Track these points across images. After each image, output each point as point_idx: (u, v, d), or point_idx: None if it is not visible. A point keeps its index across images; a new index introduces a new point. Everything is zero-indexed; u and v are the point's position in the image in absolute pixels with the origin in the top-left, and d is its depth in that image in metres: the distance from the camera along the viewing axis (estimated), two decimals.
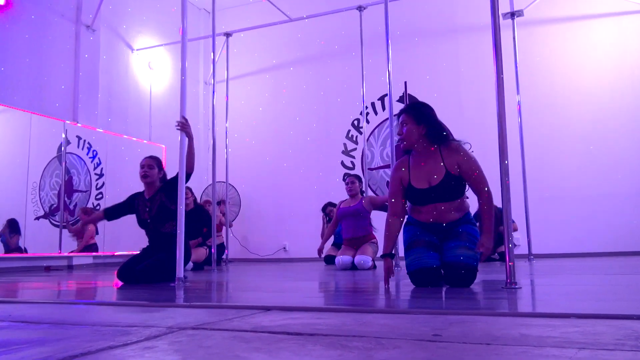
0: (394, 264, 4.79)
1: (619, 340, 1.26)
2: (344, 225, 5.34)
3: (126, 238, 3.76)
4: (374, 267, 5.10)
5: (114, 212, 4.15)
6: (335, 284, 3.53)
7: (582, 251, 6.64)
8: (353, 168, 8.18)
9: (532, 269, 4.43)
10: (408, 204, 2.94)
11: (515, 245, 2.66)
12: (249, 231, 8.77)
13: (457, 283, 2.63)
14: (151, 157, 4.00)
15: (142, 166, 3.93)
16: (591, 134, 6.95)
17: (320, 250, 5.43)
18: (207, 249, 5.92)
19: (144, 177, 3.89)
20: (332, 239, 6.94)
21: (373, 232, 5.29)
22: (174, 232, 3.76)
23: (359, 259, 5.01)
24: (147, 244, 4.01)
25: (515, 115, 5.99)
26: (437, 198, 2.78)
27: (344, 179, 5.56)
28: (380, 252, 5.12)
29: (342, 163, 8.35)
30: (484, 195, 2.76)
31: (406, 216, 3.00)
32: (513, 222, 6.25)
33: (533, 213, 6.15)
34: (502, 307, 1.99)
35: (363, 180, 5.89)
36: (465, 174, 2.78)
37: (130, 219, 4.05)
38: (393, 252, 2.91)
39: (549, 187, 6.91)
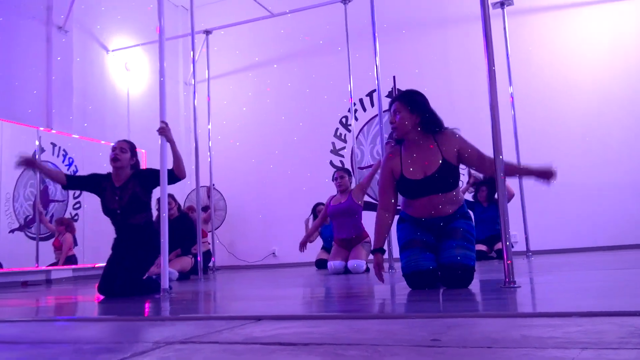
0: (388, 266, 4.81)
1: (623, 339, 1.28)
2: (336, 225, 5.31)
3: (107, 249, 3.73)
4: (367, 270, 5.10)
5: (75, 182, 4.03)
6: (328, 289, 3.53)
7: (581, 246, 6.70)
8: (342, 168, 8.18)
9: (530, 266, 4.47)
10: (400, 198, 2.94)
11: (512, 243, 2.68)
12: (236, 237, 8.75)
13: (455, 284, 2.64)
14: (125, 141, 3.92)
15: (113, 149, 3.80)
16: (587, 124, 7.01)
17: (303, 244, 5.38)
18: (193, 258, 5.89)
19: (114, 160, 3.74)
20: (320, 240, 6.93)
21: (366, 230, 5.27)
22: (142, 223, 3.73)
23: (352, 263, 5.00)
24: (115, 235, 3.86)
25: (508, 108, 6.03)
26: (432, 189, 2.76)
27: (333, 177, 5.54)
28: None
29: (331, 162, 8.36)
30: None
31: (397, 214, 3.01)
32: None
33: (530, 208, 6.19)
34: (502, 307, 2.00)
35: (353, 175, 5.88)
36: (469, 158, 2.79)
37: (109, 225, 3.95)
38: (384, 247, 2.92)
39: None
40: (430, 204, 2.79)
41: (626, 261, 4.23)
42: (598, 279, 2.85)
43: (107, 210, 3.78)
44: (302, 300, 2.74)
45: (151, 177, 3.71)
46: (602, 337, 1.32)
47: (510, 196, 5.96)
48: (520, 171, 2.82)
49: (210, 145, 7.25)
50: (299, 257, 8.06)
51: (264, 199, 8.59)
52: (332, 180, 5.43)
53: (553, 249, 6.78)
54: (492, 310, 1.92)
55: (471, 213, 2.99)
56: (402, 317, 1.85)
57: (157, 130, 3.59)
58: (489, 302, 2.17)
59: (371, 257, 5.95)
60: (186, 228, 5.80)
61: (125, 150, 3.79)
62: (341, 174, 5.35)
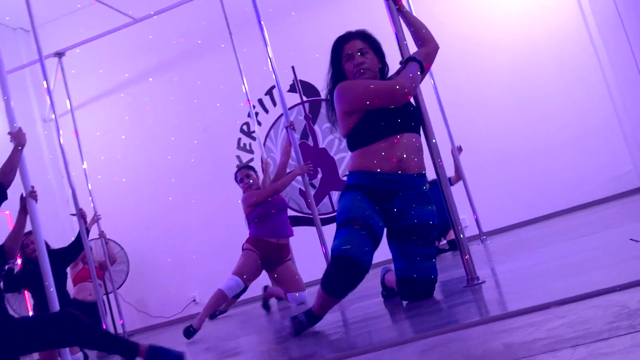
0: None
1: (612, 324, 1.34)
2: (269, 225, 4.87)
3: None
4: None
5: None
6: (265, 335, 3.49)
7: (537, 215, 7.00)
8: (243, 165, 8.07)
9: (488, 252, 4.63)
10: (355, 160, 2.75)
11: (463, 230, 2.72)
12: (145, 291, 8.44)
13: (417, 299, 2.67)
14: None
15: None
16: (513, 83, 7.35)
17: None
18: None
19: None
20: None
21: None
22: None
23: (294, 298, 4.81)
24: None
25: (427, 79, 6.22)
26: (404, 123, 2.68)
27: (237, 179, 5.32)
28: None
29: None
30: None
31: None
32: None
33: (473, 185, 6.40)
34: (473, 313, 2.05)
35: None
36: None
37: None
38: None
39: (482, 152, 7.23)
40: (402, 145, 2.66)
41: (585, 225, 4.48)
42: (563, 255, 2.98)
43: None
44: (242, 356, 2.68)
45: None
46: (589, 327, 1.38)
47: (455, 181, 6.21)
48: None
49: (90, 188, 6.95)
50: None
51: (170, 239, 8.36)
52: (238, 182, 5.20)
53: (506, 225, 7.06)
54: (463, 318, 1.96)
55: None
56: (364, 352, 1.84)
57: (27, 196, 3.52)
58: (457, 309, 2.22)
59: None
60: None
61: None
62: (246, 172, 5.06)
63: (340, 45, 2.86)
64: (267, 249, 4.80)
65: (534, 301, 1.81)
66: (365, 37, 2.84)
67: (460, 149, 6.39)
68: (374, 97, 2.66)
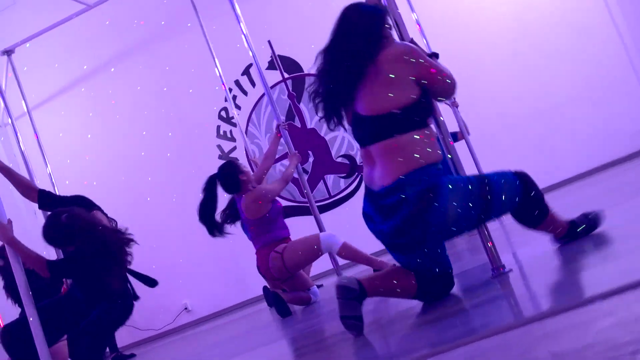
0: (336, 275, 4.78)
1: None
2: (279, 225, 4.93)
3: None
4: None
5: None
6: (280, 349, 3.45)
7: (553, 182, 6.96)
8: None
9: (505, 231, 4.56)
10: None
11: None
12: None
13: (438, 298, 2.56)
14: None
15: None
16: (515, 36, 7.28)
17: None
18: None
19: None
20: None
21: None
22: None
23: (317, 293, 4.77)
24: None
25: (420, 40, 6.14)
26: None
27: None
28: None
29: None
30: None
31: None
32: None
33: (482, 155, 6.34)
34: (505, 313, 2.00)
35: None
36: None
37: None
38: None
39: (486, 117, 7.17)
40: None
41: (612, 191, 4.41)
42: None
43: None
44: None
45: None
46: None
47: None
48: None
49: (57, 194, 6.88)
50: (222, 303, 7.94)
51: (153, 244, 8.27)
52: (243, 168, 5.16)
53: None
54: (496, 320, 1.91)
55: None
56: None
57: None
58: (485, 308, 2.14)
59: None
60: None
61: None
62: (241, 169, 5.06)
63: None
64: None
65: (573, 294, 1.77)
66: None
67: (455, 104, 6.25)
68: (442, 77, 2.66)
